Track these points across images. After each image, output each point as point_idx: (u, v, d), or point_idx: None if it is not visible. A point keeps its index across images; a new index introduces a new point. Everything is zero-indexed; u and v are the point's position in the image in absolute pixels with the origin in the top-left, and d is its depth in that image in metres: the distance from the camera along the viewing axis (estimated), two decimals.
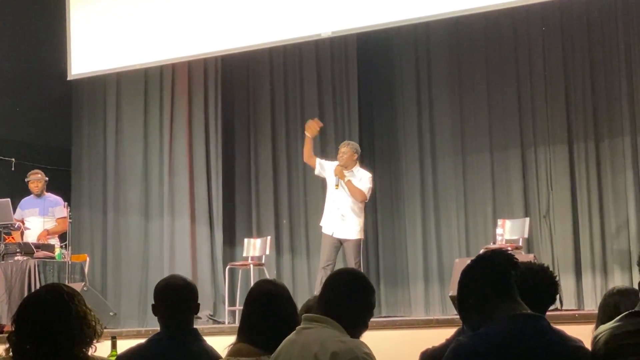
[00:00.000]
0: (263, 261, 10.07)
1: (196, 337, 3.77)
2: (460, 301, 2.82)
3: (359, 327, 3.44)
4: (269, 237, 10.34)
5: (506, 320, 2.66)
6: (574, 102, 11.16)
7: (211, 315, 10.91)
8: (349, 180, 9.41)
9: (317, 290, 9.26)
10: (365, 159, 11.94)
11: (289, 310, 3.92)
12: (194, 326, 3.85)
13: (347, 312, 3.40)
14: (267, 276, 10.05)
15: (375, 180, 12.12)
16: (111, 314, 9.03)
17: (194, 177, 11.63)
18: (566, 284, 10.97)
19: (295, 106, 11.87)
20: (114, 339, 4.69)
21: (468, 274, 2.85)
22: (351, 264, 9.23)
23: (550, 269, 3.95)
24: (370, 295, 3.49)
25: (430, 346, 4.11)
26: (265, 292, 3.95)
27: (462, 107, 11.70)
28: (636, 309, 2.77)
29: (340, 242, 9.39)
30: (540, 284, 3.55)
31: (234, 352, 3.79)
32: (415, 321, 8.29)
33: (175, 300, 3.77)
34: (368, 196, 9.59)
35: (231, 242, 11.64)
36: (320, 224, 9.55)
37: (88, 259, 10.52)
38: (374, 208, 12.18)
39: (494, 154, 11.55)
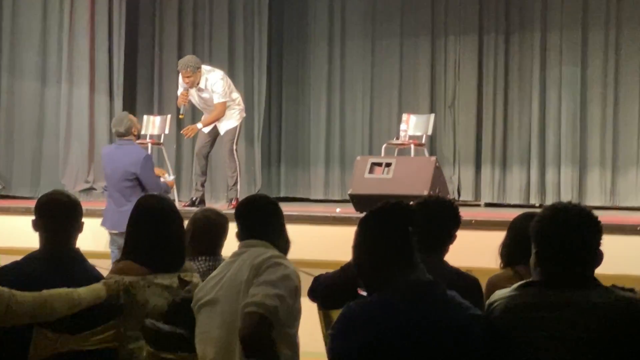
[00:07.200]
0: (162, 140, 9.81)
1: (77, 257, 3.57)
2: (356, 263, 2.67)
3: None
4: (169, 116, 10.03)
5: (402, 289, 2.55)
6: None
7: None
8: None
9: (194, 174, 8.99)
10: (274, 41, 11.67)
11: (175, 227, 3.78)
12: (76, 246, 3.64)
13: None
14: (165, 155, 9.84)
15: (281, 62, 11.91)
16: (0, 187, 8.71)
17: (95, 44, 11.16)
18: (465, 175, 11.10)
19: None
20: None
21: (363, 237, 2.68)
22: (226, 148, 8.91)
23: (453, 201, 3.97)
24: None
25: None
26: (151, 208, 3.79)
27: None
28: (532, 278, 2.71)
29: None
30: (443, 218, 3.66)
31: (118, 271, 3.64)
32: (316, 218, 8.13)
33: (58, 218, 3.56)
34: (227, 98, 8.77)
35: None
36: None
37: None
38: (279, 89, 11.98)
39: (403, 41, 11.41)
